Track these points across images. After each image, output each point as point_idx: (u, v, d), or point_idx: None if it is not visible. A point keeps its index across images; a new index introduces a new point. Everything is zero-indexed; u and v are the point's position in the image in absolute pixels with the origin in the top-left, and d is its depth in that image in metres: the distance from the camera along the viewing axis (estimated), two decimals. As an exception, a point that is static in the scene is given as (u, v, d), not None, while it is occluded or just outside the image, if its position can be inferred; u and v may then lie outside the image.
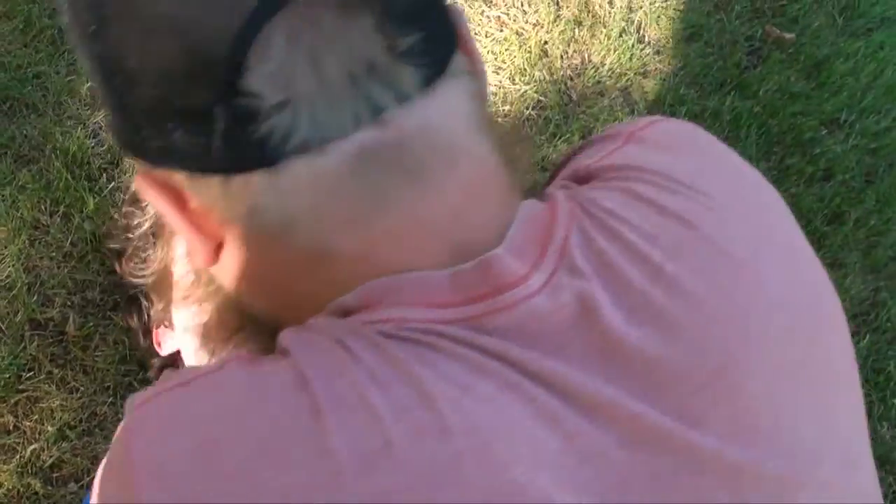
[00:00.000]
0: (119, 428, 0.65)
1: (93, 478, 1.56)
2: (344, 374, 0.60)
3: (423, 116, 0.63)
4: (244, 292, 0.72)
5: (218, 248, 0.68)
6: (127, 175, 1.79)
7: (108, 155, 1.80)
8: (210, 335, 0.82)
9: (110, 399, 1.63)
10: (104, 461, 0.68)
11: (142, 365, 1.64)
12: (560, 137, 2.10)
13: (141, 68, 0.60)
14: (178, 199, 0.65)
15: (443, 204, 0.64)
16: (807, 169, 2.17)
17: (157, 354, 1.57)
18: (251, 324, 0.74)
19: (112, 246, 1.62)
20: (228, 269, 0.70)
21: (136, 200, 1.59)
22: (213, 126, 0.60)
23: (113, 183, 1.78)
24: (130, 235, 1.57)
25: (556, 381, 0.61)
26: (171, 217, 0.66)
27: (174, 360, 1.55)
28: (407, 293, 0.64)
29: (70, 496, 1.57)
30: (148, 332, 1.57)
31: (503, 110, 2.05)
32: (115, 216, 1.65)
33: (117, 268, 1.58)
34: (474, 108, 0.66)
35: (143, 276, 1.55)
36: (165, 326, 1.55)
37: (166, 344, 1.55)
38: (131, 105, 0.62)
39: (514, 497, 0.59)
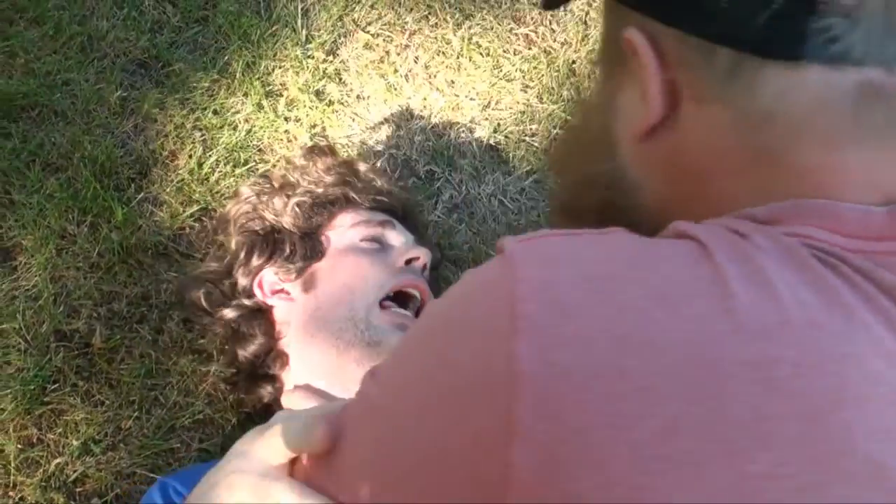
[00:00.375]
0: (496, 257, 0.65)
1: (116, 494, 1.54)
2: (749, 260, 0.61)
3: None
4: (654, 180, 0.75)
5: (660, 124, 0.71)
6: (156, 185, 1.77)
7: (137, 165, 1.78)
8: (571, 210, 0.85)
9: (135, 413, 1.60)
10: (455, 294, 0.68)
11: (211, 357, 1.65)
12: (588, 158, 2.08)
13: None
14: (661, 61, 0.69)
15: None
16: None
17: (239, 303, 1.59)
18: (626, 216, 0.75)
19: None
20: (657, 150, 0.72)
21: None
22: (770, 2, 0.63)
23: (141, 193, 1.75)
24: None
25: None
26: (644, 75, 0.70)
27: (262, 310, 1.60)
28: (818, 216, 0.65)
29: (93, 511, 1.55)
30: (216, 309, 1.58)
31: (531, 129, 2.03)
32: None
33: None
34: None
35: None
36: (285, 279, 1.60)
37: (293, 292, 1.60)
38: None
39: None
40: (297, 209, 1.61)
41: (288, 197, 1.63)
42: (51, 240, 1.68)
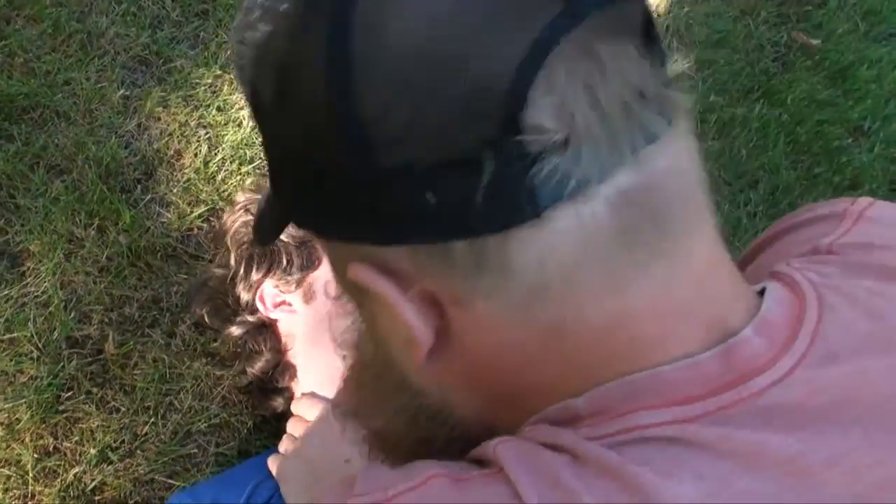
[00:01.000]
0: None
1: (136, 501, 1.54)
2: (569, 494, 0.55)
3: (674, 157, 0.57)
4: (459, 394, 0.66)
5: (437, 340, 0.61)
6: (162, 186, 1.75)
7: (142, 165, 1.76)
8: (389, 447, 0.77)
9: (151, 419, 1.60)
10: None
11: (225, 364, 1.64)
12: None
13: (407, 123, 0.53)
14: (400, 283, 0.59)
15: (690, 271, 0.58)
16: (834, 178, 2.16)
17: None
18: (445, 433, 0.69)
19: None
20: (448, 364, 0.63)
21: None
22: (479, 176, 0.53)
23: (148, 195, 1.73)
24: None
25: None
26: (391, 306, 0.59)
27: (266, 326, 1.55)
28: (643, 395, 0.58)
29: (113, 519, 1.54)
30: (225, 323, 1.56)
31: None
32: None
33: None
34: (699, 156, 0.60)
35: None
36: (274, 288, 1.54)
37: (282, 308, 1.55)
38: (380, 170, 0.55)
39: None
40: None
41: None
42: (58, 244, 1.66)
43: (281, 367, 1.57)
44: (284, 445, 1.46)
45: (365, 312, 0.67)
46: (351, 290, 0.65)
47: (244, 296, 1.57)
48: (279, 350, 1.56)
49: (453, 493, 0.58)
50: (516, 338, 0.59)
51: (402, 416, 0.71)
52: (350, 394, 0.79)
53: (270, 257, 1.57)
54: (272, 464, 1.45)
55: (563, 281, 0.56)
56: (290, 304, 1.56)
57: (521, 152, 0.52)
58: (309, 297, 1.54)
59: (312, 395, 1.51)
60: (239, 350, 1.57)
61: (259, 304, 1.57)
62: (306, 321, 1.54)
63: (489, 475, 0.58)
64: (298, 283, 1.55)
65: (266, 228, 0.70)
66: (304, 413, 1.48)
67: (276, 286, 1.56)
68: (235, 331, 1.57)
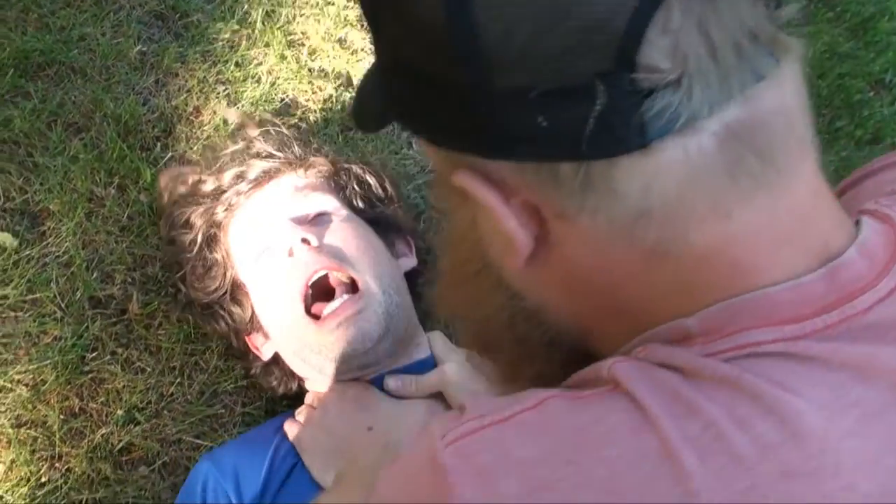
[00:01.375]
0: (424, 457, 0.62)
1: (164, 462, 1.53)
2: (694, 414, 0.56)
3: (781, 95, 0.59)
4: (556, 300, 0.69)
5: (536, 248, 0.64)
6: (182, 144, 1.72)
7: (161, 123, 1.73)
8: (489, 346, 0.79)
9: (177, 379, 1.58)
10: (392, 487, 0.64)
11: (241, 359, 1.60)
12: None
13: (525, 48, 0.55)
14: (503, 193, 0.62)
15: (793, 201, 0.61)
16: (856, 132, 2.14)
17: (255, 356, 1.53)
18: (540, 335, 0.71)
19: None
20: (546, 271, 0.66)
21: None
22: (591, 106, 0.56)
23: (168, 153, 1.71)
24: (188, 255, 1.53)
25: None
26: (492, 214, 0.63)
27: (276, 359, 1.51)
28: (751, 315, 0.60)
29: (141, 480, 1.52)
30: (239, 337, 1.53)
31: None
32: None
33: (182, 288, 1.54)
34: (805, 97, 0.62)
35: (212, 290, 1.51)
36: (255, 332, 1.51)
37: (264, 349, 1.51)
38: (495, 91, 0.57)
39: None
40: (196, 284, 1.55)
41: (183, 277, 1.57)
42: (79, 203, 1.63)
43: (297, 383, 1.55)
44: (303, 414, 1.44)
45: (466, 214, 0.69)
46: (452, 194, 0.66)
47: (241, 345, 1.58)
48: (292, 375, 1.54)
49: (573, 411, 0.60)
50: (618, 256, 0.62)
51: (499, 314, 0.72)
52: (450, 292, 0.80)
53: (214, 320, 1.56)
54: (289, 429, 1.43)
55: (666, 206, 0.59)
56: (264, 344, 1.55)
57: (634, 88, 0.55)
58: (266, 334, 1.53)
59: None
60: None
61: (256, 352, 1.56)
62: (279, 352, 1.53)
63: (607, 391, 0.60)
64: (255, 327, 1.54)
65: (368, 118, 0.73)
66: (321, 387, 1.47)
67: (246, 336, 1.56)
68: (250, 370, 1.58)
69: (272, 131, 1.69)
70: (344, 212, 1.53)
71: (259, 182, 1.53)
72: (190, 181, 1.58)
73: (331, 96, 1.83)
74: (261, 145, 1.59)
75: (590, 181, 0.58)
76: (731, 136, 0.57)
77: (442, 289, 0.80)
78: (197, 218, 1.54)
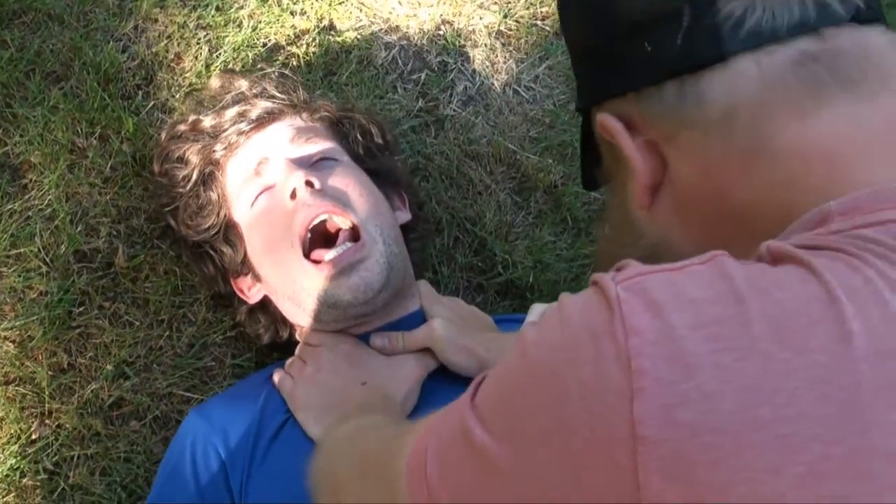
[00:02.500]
0: (594, 298, 0.64)
1: (155, 416, 1.52)
2: (854, 271, 0.61)
3: (860, 36, 0.72)
4: (678, 232, 0.80)
5: (656, 184, 0.79)
6: (164, 92, 1.69)
7: (142, 70, 1.69)
8: None
9: (166, 332, 1.57)
10: (542, 345, 0.67)
11: (227, 306, 1.59)
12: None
13: None
14: (631, 132, 0.79)
15: (878, 113, 0.71)
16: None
17: (241, 300, 1.51)
18: None
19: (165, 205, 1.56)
20: (666, 205, 0.80)
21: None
22: (680, 24, 0.73)
23: (150, 101, 1.67)
24: (181, 190, 1.50)
25: None
26: (624, 152, 0.79)
27: (262, 305, 1.50)
28: (892, 199, 0.66)
29: (132, 434, 1.52)
30: (226, 280, 1.51)
31: (541, 12, 1.96)
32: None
33: (173, 223, 1.52)
34: None
35: (204, 228, 1.49)
36: (244, 274, 1.49)
37: (253, 292, 1.50)
38: (620, 32, 0.78)
39: None
40: (188, 221, 1.52)
41: (175, 212, 1.54)
42: (60, 155, 1.60)
43: (287, 327, 1.54)
44: (294, 368, 1.43)
45: (618, 182, 0.84)
46: (608, 163, 0.85)
47: (226, 289, 1.56)
48: (280, 319, 1.53)
49: (743, 266, 0.64)
50: (718, 163, 0.74)
51: (631, 256, 0.78)
52: (604, 244, 0.98)
53: (202, 261, 1.54)
54: (280, 384, 1.43)
55: (748, 110, 0.72)
56: (254, 287, 1.53)
57: (713, 9, 0.71)
58: (257, 276, 1.51)
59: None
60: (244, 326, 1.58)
61: (241, 295, 1.55)
62: (271, 294, 1.51)
63: (769, 261, 0.66)
64: (246, 269, 1.52)
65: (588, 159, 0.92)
66: (312, 340, 1.46)
67: (233, 279, 1.54)
68: (236, 317, 1.57)
69: (276, 73, 1.66)
70: (346, 158, 1.52)
71: (261, 122, 1.51)
72: (190, 119, 1.55)
73: (314, 40, 1.79)
74: (264, 85, 1.56)
75: (683, 95, 0.74)
76: (804, 57, 0.70)
77: (598, 245, 1.00)
78: (193, 155, 1.51)
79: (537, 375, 0.66)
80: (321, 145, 1.49)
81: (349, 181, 1.45)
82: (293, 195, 1.39)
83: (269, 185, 1.44)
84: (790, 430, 0.57)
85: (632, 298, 0.62)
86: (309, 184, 1.39)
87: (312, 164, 1.46)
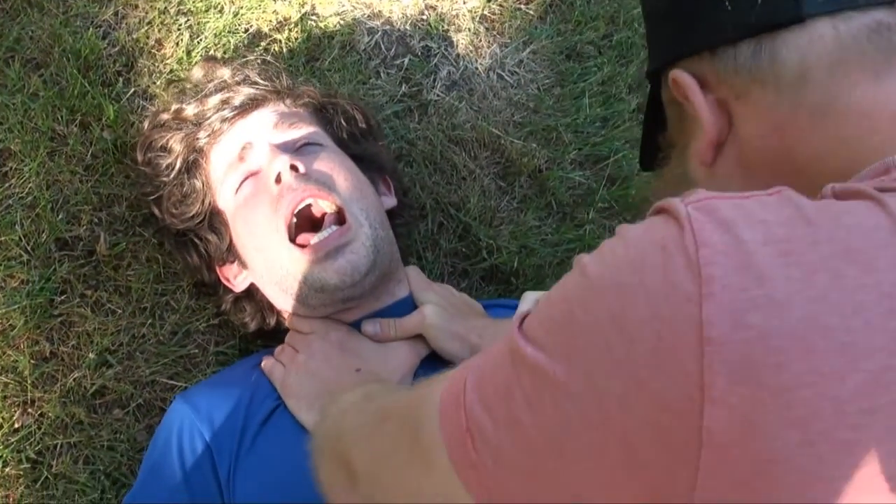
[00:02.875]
0: (662, 220, 0.65)
1: (138, 404, 1.52)
2: None
3: None
4: (741, 181, 0.81)
5: (723, 141, 0.82)
6: (145, 79, 1.68)
7: (122, 57, 1.68)
8: None
9: (149, 320, 1.56)
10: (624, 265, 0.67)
11: (211, 294, 1.58)
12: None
13: None
14: (703, 89, 0.82)
15: None
16: None
17: (227, 288, 1.51)
18: None
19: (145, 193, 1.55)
20: (731, 161, 0.83)
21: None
22: None
23: (131, 88, 1.66)
24: (165, 179, 1.49)
25: None
26: (695, 108, 0.83)
27: (248, 293, 1.49)
28: None
29: (116, 423, 1.52)
30: (211, 268, 1.51)
31: None
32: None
33: (157, 213, 1.51)
34: None
35: (189, 216, 1.48)
36: (230, 262, 1.48)
37: (238, 280, 1.49)
38: None
39: None
40: (172, 210, 1.51)
41: (159, 201, 1.53)
42: (41, 142, 1.59)
43: (274, 315, 1.53)
44: (285, 355, 1.43)
45: (681, 142, 0.88)
46: (673, 122, 0.90)
47: (211, 278, 1.55)
48: (267, 307, 1.52)
49: (812, 203, 0.65)
50: (787, 120, 0.78)
51: None
52: (657, 185, 0.98)
53: (186, 249, 1.53)
54: (270, 372, 1.42)
55: (821, 71, 0.75)
56: (240, 273, 1.52)
57: None
58: (243, 263, 1.50)
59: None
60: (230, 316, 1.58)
61: (226, 283, 1.54)
62: (258, 281, 1.50)
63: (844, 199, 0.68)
64: (232, 256, 1.51)
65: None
66: (303, 327, 1.45)
67: (218, 267, 1.53)
68: (221, 306, 1.56)
69: (258, 60, 1.65)
70: (330, 143, 1.51)
71: (245, 109, 1.50)
72: (173, 108, 1.54)
73: (296, 26, 1.78)
74: (247, 72, 1.56)
75: (759, 54, 0.77)
76: (880, 26, 0.74)
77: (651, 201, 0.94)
78: (176, 143, 1.50)
79: (600, 288, 0.66)
80: (305, 130, 1.49)
81: (334, 165, 1.44)
82: (278, 179, 1.38)
83: (254, 170, 1.43)
84: (856, 338, 0.59)
85: (702, 216, 0.63)
86: (294, 168, 1.38)
87: (297, 149, 1.45)
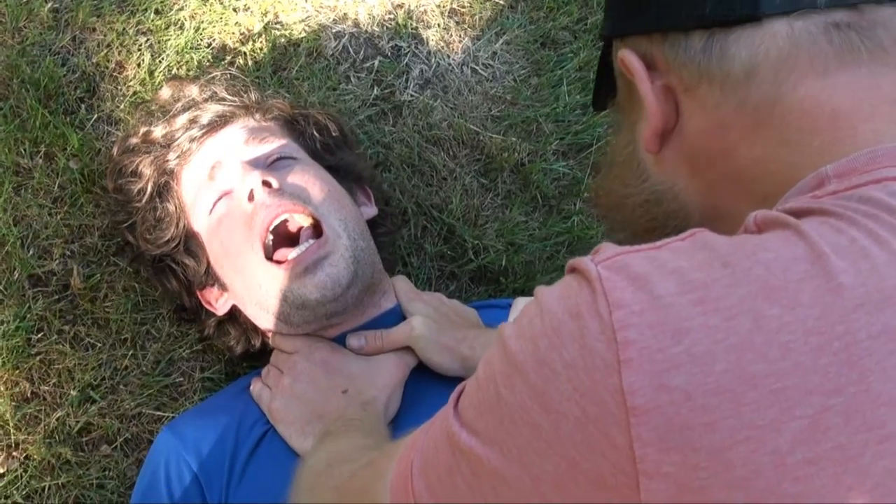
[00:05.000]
0: (575, 282, 0.63)
1: (126, 438, 1.48)
2: (840, 232, 0.61)
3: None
4: (684, 180, 0.81)
5: (668, 130, 0.79)
6: (108, 103, 1.63)
7: (83, 83, 1.64)
8: (620, 224, 0.90)
9: (130, 351, 1.52)
10: (538, 326, 0.64)
11: (193, 320, 1.54)
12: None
13: None
14: (650, 74, 0.79)
15: None
16: None
17: (209, 312, 1.47)
18: (667, 217, 0.83)
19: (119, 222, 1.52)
20: (675, 151, 0.80)
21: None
22: None
23: (94, 114, 1.62)
24: (137, 204, 1.45)
25: None
26: (640, 92, 0.79)
27: (231, 315, 1.45)
28: (887, 159, 0.66)
29: (104, 459, 1.48)
30: (191, 293, 1.47)
31: None
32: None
33: (132, 240, 1.47)
34: None
35: (164, 241, 1.44)
36: (209, 286, 1.44)
37: (220, 303, 1.45)
38: None
39: None
40: (147, 236, 1.47)
41: (132, 227, 1.49)
42: (5, 178, 1.55)
43: (258, 335, 1.49)
44: (270, 378, 1.38)
45: (628, 120, 0.86)
46: (621, 99, 0.87)
47: (192, 303, 1.51)
48: (252, 328, 1.47)
49: (727, 241, 0.63)
50: (732, 118, 0.75)
51: (636, 196, 0.85)
52: (605, 178, 0.94)
53: (163, 275, 1.49)
54: (258, 396, 1.38)
55: (770, 69, 0.73)
56: (220, 296, 1.47)
57: None
58: (223, 286, 1.46)
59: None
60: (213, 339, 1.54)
61: (209, 307, 1.50)
62: (238, 304, 1.46)
63: (753, 229, 0.66)
64: (211, 280, 1.47)
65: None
66: (286, 347, 1.41)
67: (199, 291, 1.49)
68: (204, 331, 1.52)
69: (225, 75, 1.61)
70: (304, 156, 1.47)
71: (213, 127, 1.46)
72: (141, 131, 1.49)
73: (260, 36, 1.74)
74: (214, 88, 1.51)
75: (710, 47, 0.74)
76: (839, 25, 0.71)
77: (600, 178, 0.96)
78: (146, 167, 1.46)
79: (520, 366, 0.64)
80: (276, 144, 1.44)
81: (308, 178, 1.39)
82: (251, 197, 1.34)
83: (226, 190, 1.39)
84: (787, 383, 0.56)
85: (613, 275, 0.61)
86: (266, 184, 1.34)
87: (269, 165, 1.41)
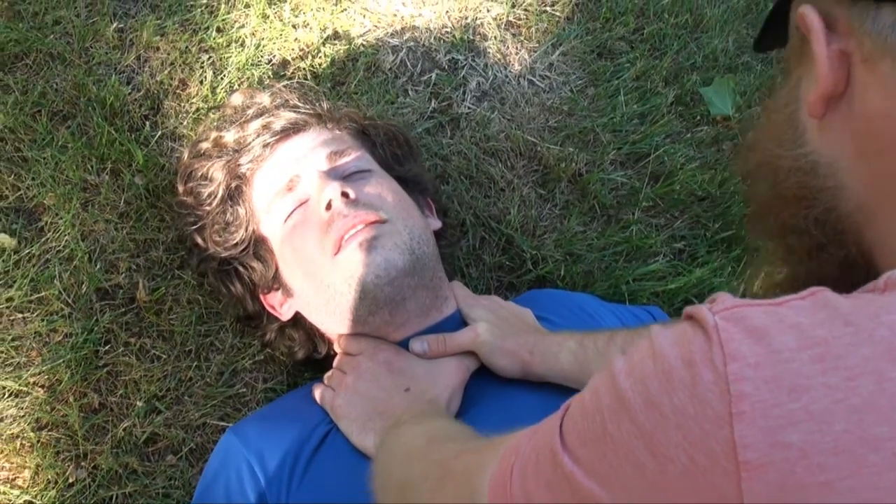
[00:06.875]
0: (690, 329, 0.61)
1: (191, 448, 1.50)
2: None
3: None
4: (848, 160, 0.75)
5: (838, 97, 0.73)
6: (171, 120, 1.67)
7: (147, 101, 1.68)
8: (755, 194, 0.87)
9: (194, 363, 1.55)
10: (639, 375, 0.63)
11: (255, 327, 1.56)
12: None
13: None
14: (828, 35, 0.74)
15: None
16: None
17: (273, 318, 1.49)
18: (805, 207, 0.77)
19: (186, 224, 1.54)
20: (843, 123, 0.74)
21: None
22: None
23: (158, 131, 1.65)
24: (207, 207, 1.48)
25: None
26: (814, 51, 0.74)
27: (294, 321, 1.48)
28: None
29: (170, 469, 1.50)
30: (255, 297, 1.49)
31: (549, -3, 1.91)
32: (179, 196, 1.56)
33: (201, 242, 1.50)
34: None
35: (233, 244, 1.47)
36: (275, 290, 1.47)
37: (284, 308, 1.47)
38: None
39: None
40: (216, 238, 1.49)
41: (202, 230, 1.52)
42: (73, 194, 1.59)
43: (323, 342, 1.51)
44: (334, 379, 1.40)
45: (794, 76, 0.81)
46: (791, 53, 0.82)
47: (255, 309, 1.54)
48: (315, 333, 1.50)
49: (850, 301, 0.60)
50: None
51: (787, 161, 0.80)
52: (757, 127, 0.90)
53: (230, 279, 1.51)
54: (320, 396, 1.40)
55: None
56: (285, 302, 1.50)
57: None
58: (288, 291, 1.48)
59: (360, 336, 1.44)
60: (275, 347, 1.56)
61: (272, 312, 1.52)
62: (303, 308, 1.48)
63: (882, 291, 0.62)
64: (277, 285, 1.49)
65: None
66: (352, 348, 1.42)
67: (263, 296, 1.52)
68: (267, 337, 1.55)
69: (296, 84, 1.64)
70: (376, 167, 1.50)
71: (286, 133, 1.49)
72: (212, 136, 1.53)
73: (319, 51, 1.76)
74: (286, 96, 1.55)
75: None
76: None
77: (751, 135, 0.90)
78: (217, 171, 1.50)
79: (628, 404, 0.63)
80: (352, 155, 1.47)
81: (382, 190, 1.43)
82: (328, 206, 1.37)
83: (304, 199, 1.42)
84: None
85: (731, 326, 0.59)
86: (345, 195, 1.37)
87: (346, 176, 1.43)
